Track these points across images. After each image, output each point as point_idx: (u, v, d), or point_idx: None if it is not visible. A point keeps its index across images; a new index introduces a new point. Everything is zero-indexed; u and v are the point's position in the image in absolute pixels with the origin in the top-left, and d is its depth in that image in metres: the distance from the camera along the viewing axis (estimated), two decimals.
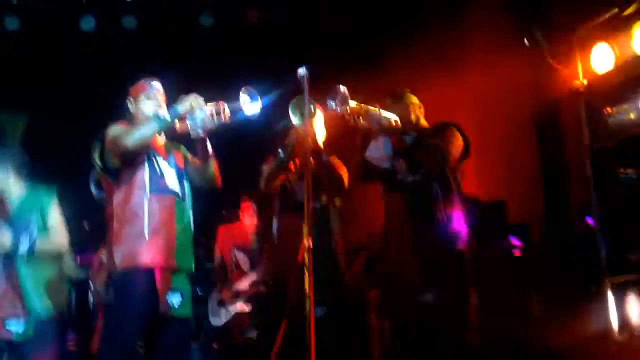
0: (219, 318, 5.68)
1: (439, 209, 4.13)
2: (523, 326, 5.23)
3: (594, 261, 5.09)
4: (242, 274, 5.69)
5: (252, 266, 5.67)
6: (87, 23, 7.34)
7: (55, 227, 4.28)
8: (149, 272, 3.60)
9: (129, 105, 3.93)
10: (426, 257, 4.09)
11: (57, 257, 4.37)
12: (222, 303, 5.70)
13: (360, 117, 4.15)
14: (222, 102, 3.72)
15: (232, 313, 5.63)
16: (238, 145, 5.80)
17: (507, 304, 5.44)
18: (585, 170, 5.33)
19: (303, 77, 3.54)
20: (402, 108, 4.37)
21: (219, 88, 3.91)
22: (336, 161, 4.57)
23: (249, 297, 5.62)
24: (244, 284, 5.63)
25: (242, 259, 5.72)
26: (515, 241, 5.77)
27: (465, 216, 4.22)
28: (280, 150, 4.41)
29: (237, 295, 5.63)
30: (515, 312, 5.41)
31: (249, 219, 5.76)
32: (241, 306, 5.61)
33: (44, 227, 4.25)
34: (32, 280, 4.15)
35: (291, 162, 4.51)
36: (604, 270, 5.07)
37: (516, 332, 5.18)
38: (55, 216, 4.30)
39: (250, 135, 5.34)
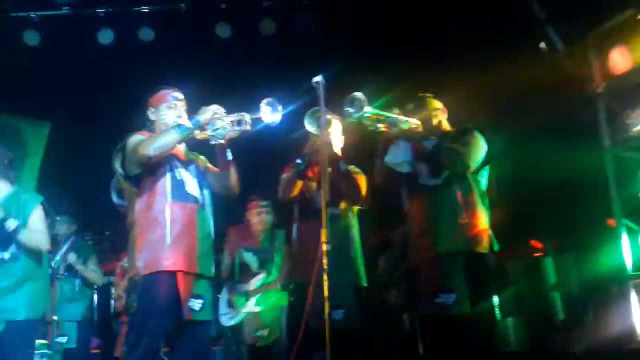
0: (230, 319, 5.69)
1: (460, 212, 4.12)
2: (545, 329, 5.22)
3: (618, 262, 5.07)
4: (250, 274, 5.68)
5: (261, 266, 5.66)
6: (105, 36, 7.41)
7: (35, 229, 4.40)
8: (172, 277, 3.64)
9: (150, 115, 3.97)
10: (448, 260, 4.09)
11: (36, 257, 4.41)
12: (231, 304, 5.71)
13: (379, 122, 4.17)
14: (243, 113, 3.75)
15: (244, 314, 5.63)
16: (257, 154, 5.82)
17: (527, 307, 5.44)
18: (604, 173, 5.32)
19: (319, 84, 3.57)
20: (424, 112, 4.38)
21: (238, 97, 3.95)
22: (354, 170, 4.59)
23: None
24: (252, 284, 5.64)
25: (250, 259, 5.72)
26: (537, 244, 5.76)
27: (487, 219, 4.22)
28: (298, 159, 4.43)
29: (247, 297, 5.64)
30: (537, 315, 5.41)
31: (257, 217, 5.74)
32: (251, 306, 5.61)
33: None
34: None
35: (309, 170, 4.53)
36: (626, 270, 5.05)
37: (538, 335, 5.18)
38: (36, 220, 4.42)
39: (269, 144, 5.37)
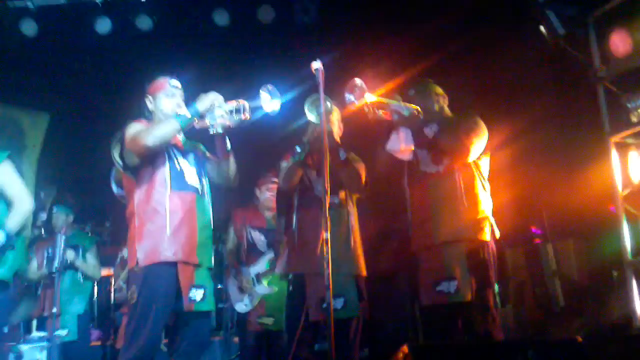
0: (244, 304, 5.64)
1: (461, 200, 4.10)
2: (546, 316, 5.22)
3: (617, 247, 5.06)
4: (258, 254, 5.65)
5: (269, 246, 5.64)
6: (103, 25, 7.38)
7: (15, 195, 4.09)
8: (172, 267, 3.63)
9: (148, 103, 3.95)
10: (449, 248, 4.08)
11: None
12: (243, 290, 5.67)
13: (380, 109, 4.15)
14: (242, 100, 3.73)
15: (257, 298, 5.59)
16: (255, 143, 5.80)
17: (528, 293, 5.44)
18: (606, 158, 5.30)
19: (318, 71, 3.54)
20: (426, 99, 4.36)
21: (237, 84, 3.92)
22: (354, 158, 4.57)
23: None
24: (262, 265, 5.62)
25: (258, 238, 5.70)
26: (537, 231, 5.75)
27: (489, 206, 4.20)
28: (297, 147, 4.41)
29: (258, 278, 5.61)
30: (538, 302, 5.41)
31: (267, 193, 5.70)
32: (265, 288, 5.57)
33: (1, 197, 4.07)
34: None
35: (309, 158, 4.51)
36: (626, 256, 5.05)
37: (539, 322, 5.18)
38: (10, 182, 4.09)
39: (268, 132, 5.35)
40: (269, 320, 5.47)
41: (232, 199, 5.68)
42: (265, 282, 5.57)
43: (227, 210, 5.87)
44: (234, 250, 5.78)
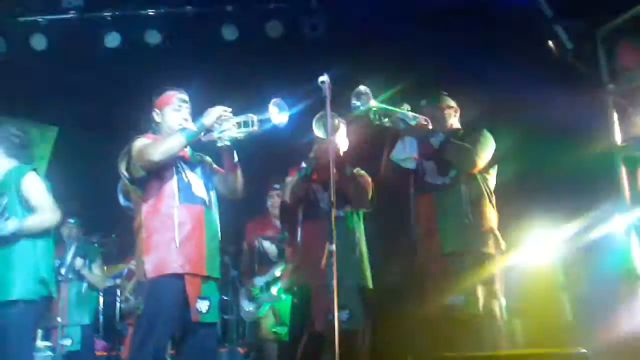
0: (252, 314, 5.67)
1: (468, 212, 4.09)
2: (553, 329, 5.18)
3: (625, 261, 5.03)
4: (269, 263, 5.67)
5: (280, 254, 5.65)
6: (112, 39, 7.44)
7: (39, 205, 4.21)
8: (180, 279, 3.64)
9: (155, 117, 3.96)
10: (455, 260, 4.06)
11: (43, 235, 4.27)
12: (253, 298, 5.70)
13: (386, 117, 4.15)
14: (250, 114, 3.74)
15: (267, 306, 5.62)
16: (263, 154, 5.82)
17: (537, 306, 5.40)
18: (614, 171, 5.27)
19: (325, 84, 3.55)
20: (436, 110, 4.37)
21: (245, 98, 3.94)
22: (360, 173, 4.57)
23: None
24: (272, 274, 5.63)
25: (269, 247, 5.72)
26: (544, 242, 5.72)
27: (495, 218, 4.19)
28: (303, 163, 4.42)
29: (268, 286, 5.64)
30: (546, 315, 5.37)
31: (277, 199, 5.72)
32: (274, 295, 5.59)
33: (26, 206, 4.18)
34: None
35: (315, 173, 4.52)
36: (635, 270, 5.01)
37: (548, 335, 5.14)
38: (35, 192, 4.22)
39: (276, 145, 5.37)
40: (282, 330, 5.48)
41: (240, 211, 5.70)
42: (274, 289, 5.59)
43: (236, 222, 5.89)
44: (247, 261, 5.82)
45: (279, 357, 5.52)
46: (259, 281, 5.67)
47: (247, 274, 5.84)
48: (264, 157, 6.07)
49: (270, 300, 5.61)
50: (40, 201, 4.24)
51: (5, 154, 4.34)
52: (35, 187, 4.27)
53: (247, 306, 5.72)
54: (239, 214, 5.85)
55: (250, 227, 5.92)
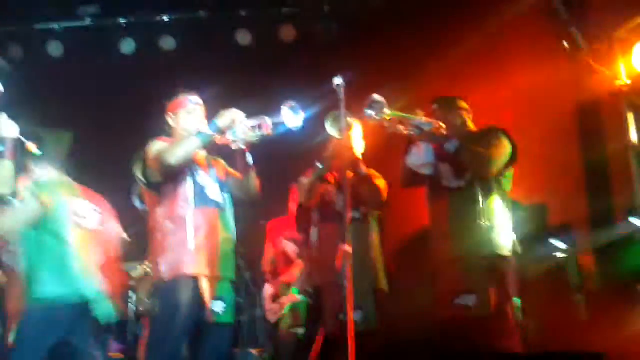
0: (275, 313, 5.70)
1: (482, 215, 4.08)
2: (567, 331, 5.15)
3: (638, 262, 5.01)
4: (290, 264, 5.70)
5: (300, 256, 5.68)
6: (127, 46, 7.50)
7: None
8: (195, 281, 3.66)
9: (169, 120, 4.00)
10: (468, 262, 4.06)
11: None
12: (275, 298, 5.74)
13: (400, 124, 4.15)
14: (264, 117, 3.76)
15: (288, 306, 5.65)
16: (277, 157, 5.84)
17: (550, 308, 5.37)
18: (629, 171, 5.25)
19: (339, 86, 3.57)
20: (449, 113, 4.35)
21: (259, 102, 3.96)
22: (375, 174, 4.58)
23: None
24: (293, 275, 5.65)
25: (291, 248, 5.74)
26: (558, 244, 5.70)
27: (509, 221, 4.18)
28: (318, 163, 4.43)
29: (288, 287, 5.67)
30: (559, 316, 5.34)
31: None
32: (292, 297, 5.63)
33: None
34: None
35: (330, 174, 4.53)
36: None
37: (560, 337, 5.10)
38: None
39: (289, 146, 5.38)
40: (302, 330, 5.50)
41: (256, 214, 5.73)
42: (293, 291, 5.63)
43: (251, 223, 5.92)
44: (269, 260, 5.85)
45: (294, 358, 5.53)
46: (281, 283, 5.72)
47: (270, 273, 5.87)
48: (280, 159, 6.09)
49: (291, 301, 5.63)
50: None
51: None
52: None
53: (271, 307, 5.76)
54: (254, 216, 5.88)
55: (271, 226, 5.94)
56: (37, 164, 4.26)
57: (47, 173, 4.32)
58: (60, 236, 4.05)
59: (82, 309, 3.99)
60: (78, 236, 4.11)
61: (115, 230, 4.47)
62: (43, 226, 4.03)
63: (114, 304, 4.21)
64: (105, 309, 4.09)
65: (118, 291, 4.37)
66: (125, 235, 4.53)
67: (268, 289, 5.84)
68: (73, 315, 3.96)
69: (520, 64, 6.04)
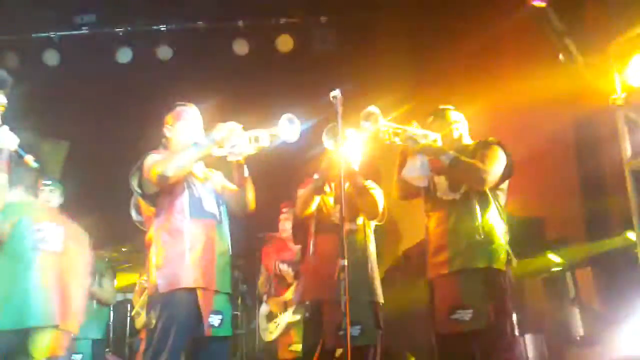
0: (270, 333, 5.73)
1: (478, 227, 4.08)
2: (564, 345, 5.16)
3: (636, 276, 5.01)
4: (286, 285, 5.72)
5: (296, 276, 5.69)
6: (124, 55, 7.51)
7: None
8: (192, 294, 3.65)
9: (166, 132, 3.99)
10: (464, 276, 4.05)
11: None
12: (271, 318, 5.76)
13: (396, 137, 4.16)
14: (261, 129, 3.76)
15: (283, 326, 5.67)
16: (274, 169, 5.84)
17: (546, 322, 5.38)
18: (625, 185, 5.26)
19: (336, 99, 3.57)
20: (445, 125, 4.35)
21: (255, 113, 3.96)
22: (371, 185, 4.57)
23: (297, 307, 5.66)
24: (289, 295, 5.67)
25: (285, 270, 5.76)
26: (554, 258, 5.71)
27: (505, 234, 4.17)
28: (315, 174, 4.43)
29: (285, 308, 5.68)
30: (556, 330, 5.34)
31: (288, 223, 5.77)
32: (290, 316, 5.64)
33: None
34: None
35: (327, 185, 4.52)
36: None
37: (558, 351, 5.12)
38: None
39: (286, 158, 5.39)
40: (298, 348, 5.50)
41: (252, 226, 5.72)
42: (290, 311, 5.63)
43: (248, 236, 5.93)
44: (264, 282, 5.87)
45: None
46: (277, 302, 5.74)
47: (266, 295, 5.89)
48: (277, 171, 6.09)
49: (288, 321, 5.65)
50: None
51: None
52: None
53: (266, 326, 5.79)
54: (251, 228, 5.88)
55: (266, 251, 5.98)
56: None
57: (14, 194, 4.29)
58: (20, 259, 4.04)
59: (20, 337, 3.98)
60: (39, 259, 4.11)
61: (82, 254, 4.48)
62: (3, 248, 4.03)
63: (63, 331, 4.22)
64: (43, 341, 4.07)
65: (75, 316, 4.39)
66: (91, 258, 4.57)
67: (264, 309, 5.86)
68: (9, 344, 3.95)
69: (516, 76, 6.06)
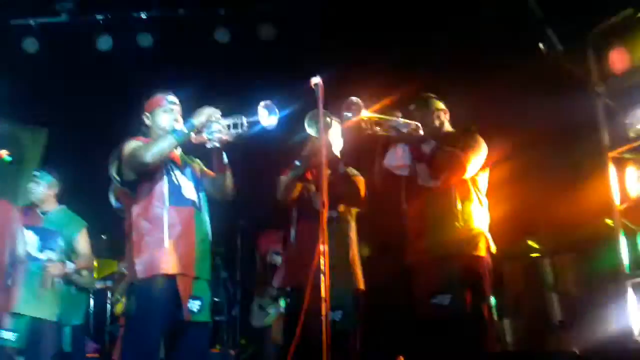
0: (260, 320, 5.79)
1: (458, 215, 4.11)
2: (543, 329, 5.21)
3: (614, 261, 5.07)
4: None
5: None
6: (104, 42, 7.45)
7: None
8: (171, 280, 3.65)
9: (145, 120, 3.98)
10: (444, 263, 4.07)
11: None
12: (262, 306, 5.84)
13: (377, 126, 4.16)
14: (240, 116, 3.76)
15: (274, 315, 5.73)
16: (255, 156, 5.83)
17: (525, 307, 5.43)
18: (604, 172, 5.31)
19: (317, 86, 3.57)
20: (426, 114, 4.36)
21: (237, 101, 3.95)
22: (353, 172, 4.58)
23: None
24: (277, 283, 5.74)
25: (278, 260, 5.82)
26: (533, 245, 5.76)
27: (485, 221, 4.20)
28: (296, 161, 4.43)
29: (276, 297, 5.74)
30: (535, 315, 5.39)
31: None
32: (280, 307, 5.72)
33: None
34: None
35: (308, 172, 4.53)
36: (624, 270, 5.05)
37: (536, 335, 5.16)
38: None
39: (267, 146, 5.37)
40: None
41: (232, 213, 5.73)
42: (280, 301, 5.70)
43: (228, 223, 5.94)
44: (260, 272, 5.91)
45: (273, 358, 5.57)
46: (270, 292, 5.80)
47: (260, 284, 5.94)
48: (258, 158, 6.08)
49: (280, 310, 5.72)
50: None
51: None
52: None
53: (258, 314, 5.85)
54: (231, 215, 5.89)
55: (262, 240, 6.04)
56: None
57: None
58: None
59: None
60: None
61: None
62: None
63: None
64: None
65: None
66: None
67: (257, 298, 5.93)
68: None
69: (497, 65, 6.08)
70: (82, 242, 5.31)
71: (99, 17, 7.46)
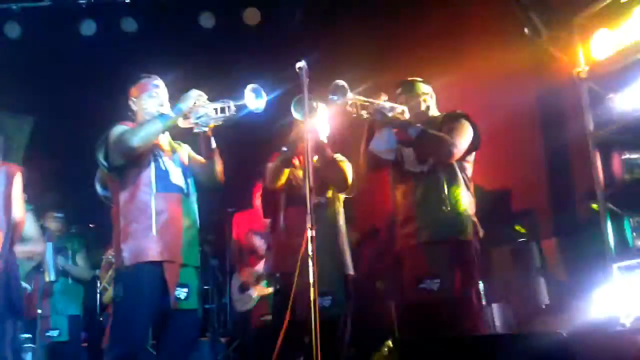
0: (244, 304, 5.76)
1: (445, 199, 4.11)
2: (530, 314, 5.24)
3: (600, 246, 5.10)
4: (259, 257, 5.74)
5: (268, 249, 5.73)
6: (88, 27, 7.38)
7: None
8: (158, 267, 3.64)
9: (131, 105, 3.95)
10: (432, 248, 4.08)
11: None
12: (243, 288, 5.79)
13: (363, 110, 4.16)
14: (227, 100, 3.74)
15: (256, 297, 5.71)
16: (242, 142, 5.82)
17: (513, 292, 5.46)
18: (589, 157, 5.34)
19: (302, 70, 3.55)
20: (412, 98, 4.35)
21: (222, 86, 3.93)
22: (340, 157, 4.58)
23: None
24: (261, 267, 5.70)
25: (258, 242, 5.77)
26: (520, 229, 5.79)
27: (472, 205, 4.21)
28: (284, 147, 4.41)
29: (258, 279, 5.71)
30: (523, 299, 5.43)
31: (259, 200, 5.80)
32: (262, 289, 5.68)
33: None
34: None
35: (296, 158, 4.52)
36: (610, 255, 5.09)
37: (524, 319, 5.20)
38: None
39: (255, 132, 5.37)
40: (269, 318, 5.54)
41: (221, 200, 5.71)
42: (262, 283, 5.66)
43: (218, 211, 5.91)
44: (236, 252, 5.88)
45: (262, 345, 5.55)
46: (250, 273, 5.76)
47: (238, 266, 5.90)
48: (246, 144, 6.07)
49: (260, 292, 5.68)
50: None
51: None
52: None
53: (239, 297, 5.81)
54: (220, 202, 5.87)
55: (237, 219, 5.95)
56: None
57: None
58: None
59: None
60: None
61: None
62: None
63: None
64: None
65: None
66: None
67: (236, 280, 5.88)
68: None
69: (482, 49, 6.08)
70: None
71: (82, 1, 7.39)
